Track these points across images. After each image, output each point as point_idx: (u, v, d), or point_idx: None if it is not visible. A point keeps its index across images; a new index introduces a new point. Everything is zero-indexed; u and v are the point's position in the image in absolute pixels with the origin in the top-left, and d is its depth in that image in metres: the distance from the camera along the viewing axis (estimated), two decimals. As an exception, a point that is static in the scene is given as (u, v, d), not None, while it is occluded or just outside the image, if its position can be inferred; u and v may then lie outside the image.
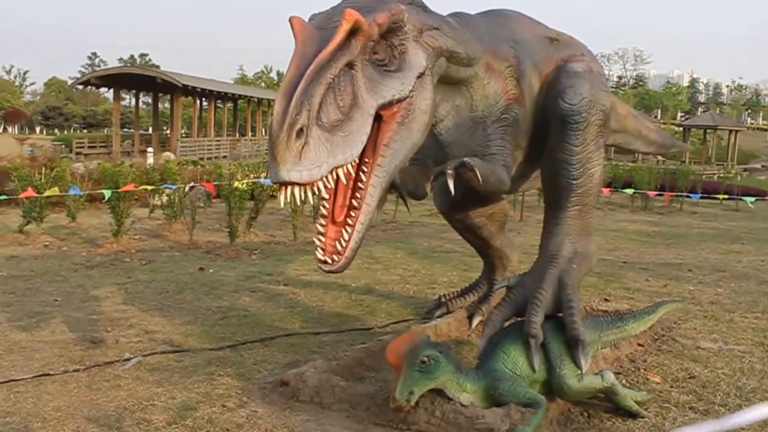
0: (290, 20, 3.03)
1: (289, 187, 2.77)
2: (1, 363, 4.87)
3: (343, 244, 3.08)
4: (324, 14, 3.22)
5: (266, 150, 2.97)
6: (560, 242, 4.31)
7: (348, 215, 3.12)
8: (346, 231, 3.09)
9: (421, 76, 3.32)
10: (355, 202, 3.13)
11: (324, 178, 2.81)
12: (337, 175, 3.01)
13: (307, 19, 3.22)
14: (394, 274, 8.32)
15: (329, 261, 3.07)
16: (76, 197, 11.52)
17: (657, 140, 5.88)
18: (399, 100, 3.17)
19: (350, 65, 2.96)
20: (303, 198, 2.80)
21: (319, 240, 3.09)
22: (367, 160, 3.16)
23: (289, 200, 2.82)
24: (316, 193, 2.84)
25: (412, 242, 10.97)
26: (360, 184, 3.14)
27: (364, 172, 3.15)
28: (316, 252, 3.09)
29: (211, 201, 14.68)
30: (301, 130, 2.69)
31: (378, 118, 3.14)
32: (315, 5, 3.48)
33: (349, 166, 2.94)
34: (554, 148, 4.27)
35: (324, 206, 3.13)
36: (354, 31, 2.93)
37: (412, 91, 3.24)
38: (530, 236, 11.09)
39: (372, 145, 3.15)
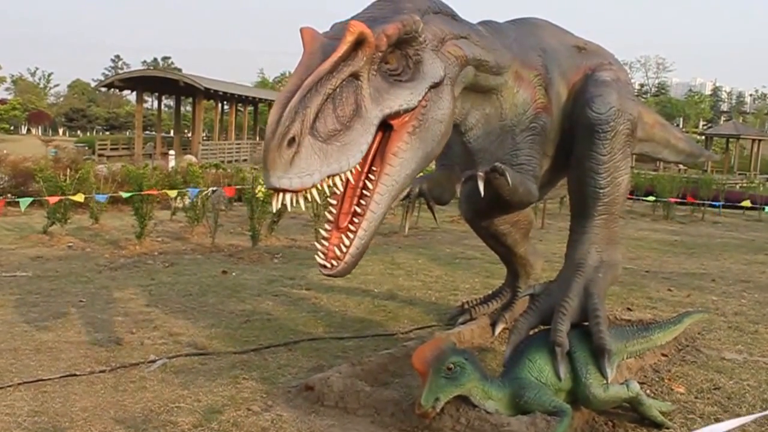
0: (301, 31, 3.11)
1: (282, 194, 2.83)
2: (28, 363, 4.93)
3: (344, 249, 3.13)
4: (341, 24, 3.24)
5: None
6: (586, 251, 4.30)
7: (351, 222, 3.17)
8: (348, 237, 3.15)
9: (436, 86, 3.31)
10: (359, 209, 3.17)
11: (319, 185, 2.85)
12: (347, 183, 3.10)
13: (329, 28, 3.26)
14: (417, 280, 8.33)
15: (328, 266, 3.14)
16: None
17: (686, 149, 5.85)
18: (407, 110, 3.17)
19: (355, 76, 2.99)
20: (295, 204, 2.86)
21: (322, 244, 3.17)
22: (375, 168, 3.21)
23: (280, 205, 2.89)
24: (309, 200, 2.90)
25: (434, 248, 10.97)
26: (366, 192, 3.19)
27: (371, 180, 3.20)
28: (317, 256, 3.16)
29: (231, 204, 14.72)
30: (293, 139, 2.75)
31: (389, 128, 3.17)
32: (336, 11, 3.50)
33: (349, 174, 2.99)
34: (581, 156, 4.27)
35: (331, 212, 3.21)
36: (359, 43, 2.96)
37: (423, 101, 3.24)
38: (551, 244, 11.08)
39: (381, 154, 3.20)
